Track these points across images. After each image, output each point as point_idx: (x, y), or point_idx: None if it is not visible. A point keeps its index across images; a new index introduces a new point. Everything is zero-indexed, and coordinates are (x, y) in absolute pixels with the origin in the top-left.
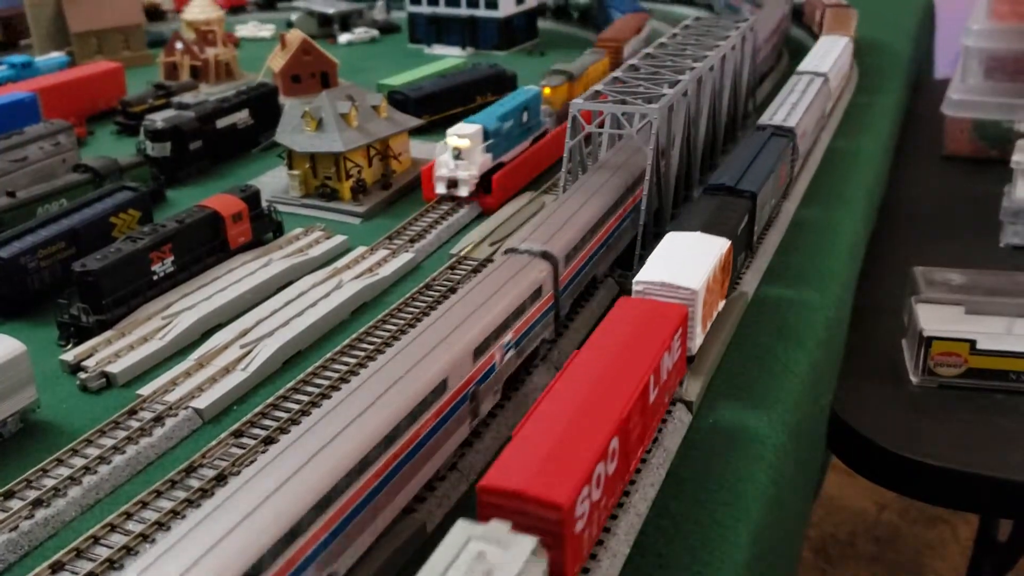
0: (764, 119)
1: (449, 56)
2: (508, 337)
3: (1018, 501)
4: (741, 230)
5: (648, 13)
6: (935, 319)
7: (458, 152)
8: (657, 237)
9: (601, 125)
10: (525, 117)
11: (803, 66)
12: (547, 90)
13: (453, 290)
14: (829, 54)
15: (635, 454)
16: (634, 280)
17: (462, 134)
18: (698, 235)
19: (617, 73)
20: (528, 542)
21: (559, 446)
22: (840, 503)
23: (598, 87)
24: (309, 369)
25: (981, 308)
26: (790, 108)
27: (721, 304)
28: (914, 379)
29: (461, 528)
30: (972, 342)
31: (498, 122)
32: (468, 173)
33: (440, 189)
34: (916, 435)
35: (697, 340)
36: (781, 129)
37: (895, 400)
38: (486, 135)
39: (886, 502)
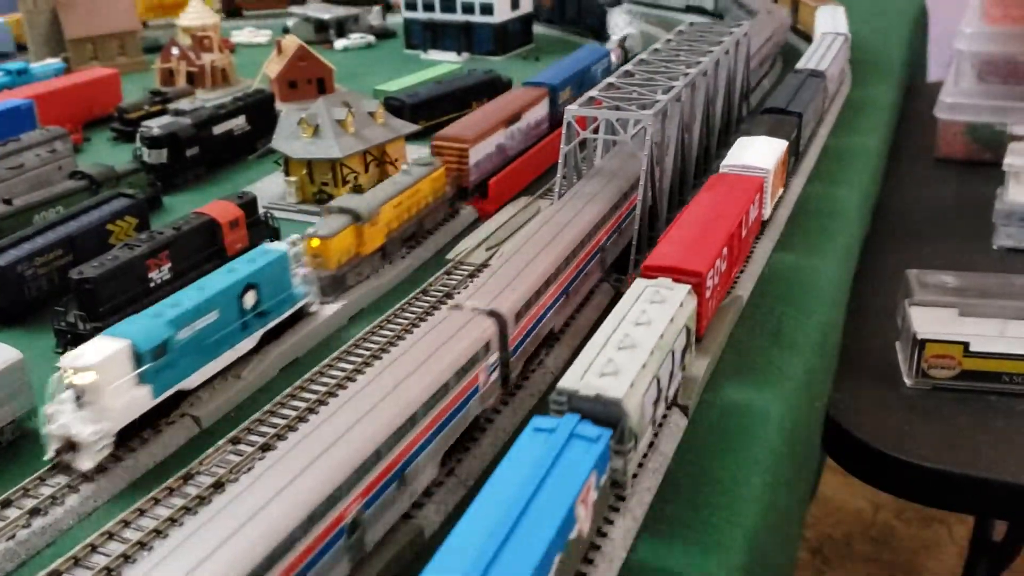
0: (800, 65)
1: (445, 62)
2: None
3: (1011, 502)
4: (792, 138)
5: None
6: (928, 321)
7: (80, 393)
8: (652, 240)
9: (596, 131)
10: (251, 300)
11: (824, 28)
12: (314, 242)
13: (449, 295)
14: (839, 24)
15: (736, 262)
16: (722, 164)
17: (84, 365)
18: (764, 138)
19: (611, 79)
20: (685, 287)
21: (696, 241)
22: (837, 504)
23: (593, 93)
24: (306, 375)
25: (974, 310)
26: (819, 58)
27: (780, 191)
28: (908, 381)
29: (639, 282)
30: (965, 344)
31: (171, 328)
32: (94, 429)
33: (49, 453)
34: (910, 437)
35: (768, 208)
36: (815, 72)
37: (889, 402)
38: (139, 357)
39: (882, 503)
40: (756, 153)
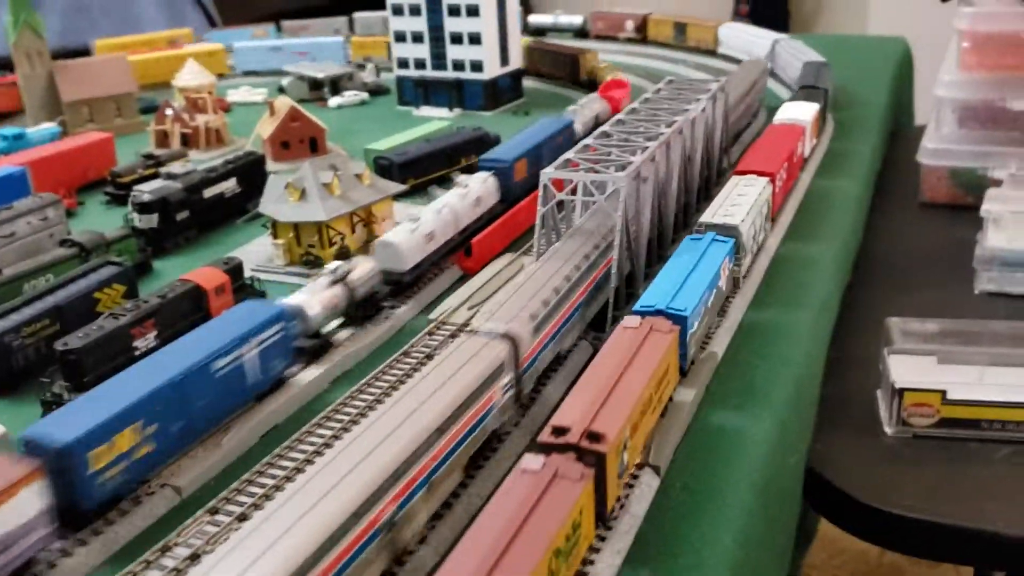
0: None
1: (436, 118)
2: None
3: (992, 552)
4: (822, 103)
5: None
6: (907, 370)
7: None
8: (631, 298)
9: (573, 192)
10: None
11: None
12: None
13: (430, 356)
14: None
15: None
16: (775, 119)
17: None
18: (800, 103)
19: (588, 140)
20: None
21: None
22: (841, 545)
23: (569, 155)
24: (286, 443)
25: (953, 358)
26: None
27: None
28: (889, 430)
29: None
30: (943, 392)
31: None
32: None
33: None
34: (891, 487)
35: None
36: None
37: (871, 452)
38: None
39: None
40: (798, 112)
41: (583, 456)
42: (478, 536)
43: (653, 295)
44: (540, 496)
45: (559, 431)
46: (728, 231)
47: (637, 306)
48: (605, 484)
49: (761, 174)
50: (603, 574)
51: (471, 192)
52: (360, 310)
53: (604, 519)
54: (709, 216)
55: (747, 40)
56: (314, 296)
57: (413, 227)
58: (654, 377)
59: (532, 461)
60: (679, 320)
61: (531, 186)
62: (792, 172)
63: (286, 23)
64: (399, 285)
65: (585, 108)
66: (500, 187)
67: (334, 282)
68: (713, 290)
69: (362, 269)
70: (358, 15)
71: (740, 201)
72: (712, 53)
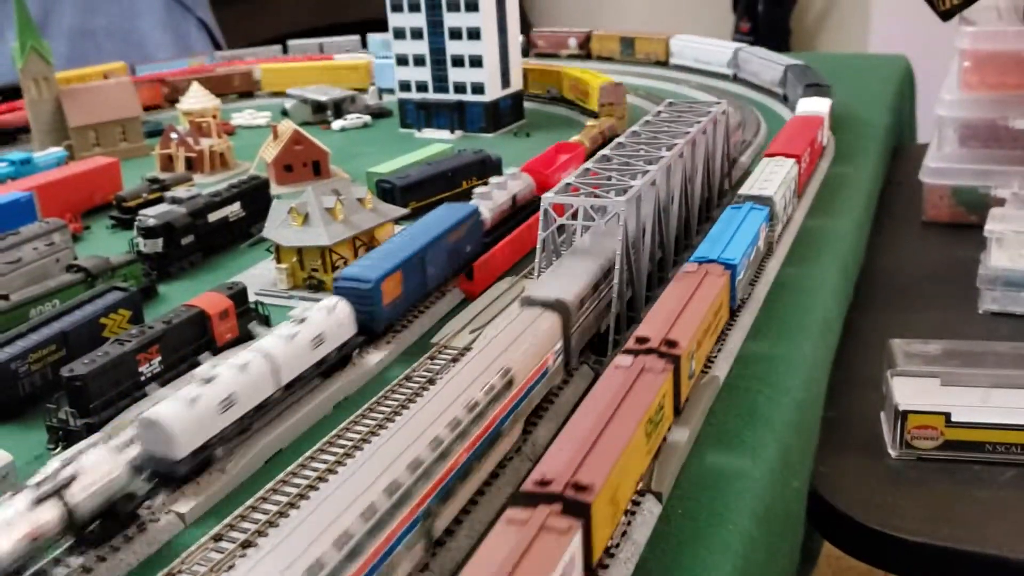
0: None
1: (438, 140)
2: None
3: (994, 575)
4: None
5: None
6: (911, 392)
7: None
8: (631, 322)
9: (574, 216)
10: None
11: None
12: None
13: (432, 381)
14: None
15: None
16: (796, 111)
17: None
18: (814, 98)
19: (588, 164)
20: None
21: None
22: (847, 563)
23: (569, 179)
24: (290, 468)
25: (957, 380)
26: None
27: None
28: (892, 453)
29: None
30: (947, 415)
31: None
32: None
33: None
34: (895, 510)
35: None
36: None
37: (875, 474)
38: None
39: None
40: (815, 106)
41: (665, 357)
42: (580, 420)
43: (706, 249)
44: (631, 385)
45: (642, 339)
46: (764, 201)
47: (693, 257)
48: (680, 381)
49: (788, 155)
50: None
51: (306, 330)
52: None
53: (679, 410)
54: (747, 189)
55: (703, 51)
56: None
57: (195, 394)
58: (711, 308)
59: (623, 359)
60: (729, 267)
61: (413, 307)
62: (813, 157)
63: (292, 43)
64: (168, 480)
65: (496, 191)
66: (359, 316)
67: (40, 500)
68: (754, 248)
69: (95, 473)
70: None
71: (772, 177)
72: (664, 64)
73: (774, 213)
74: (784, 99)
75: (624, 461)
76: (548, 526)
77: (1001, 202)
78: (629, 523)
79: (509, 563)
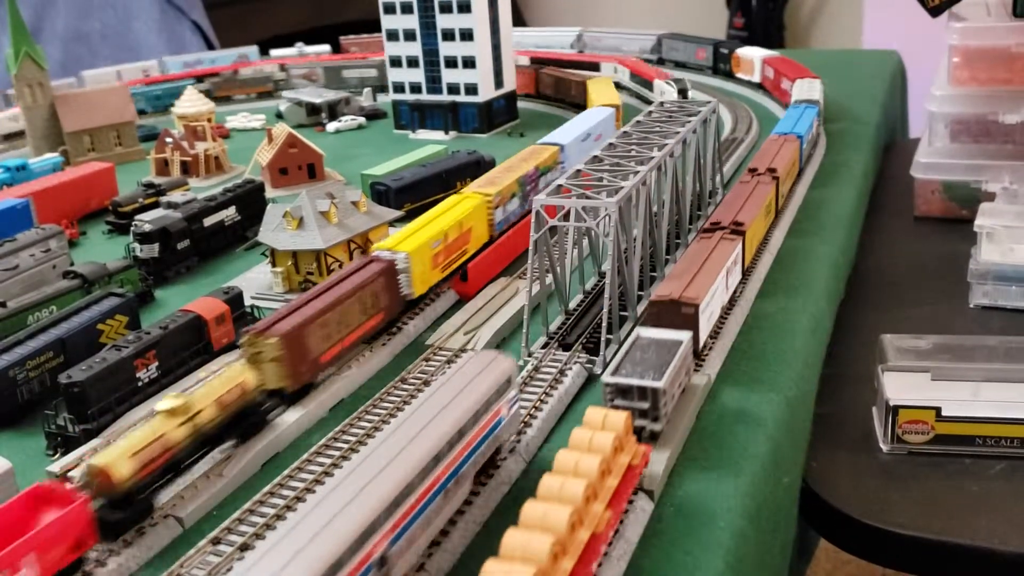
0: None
1: (432, 141)
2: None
3: (987, 568)
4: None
5: None
6: (901, 387)
7: None
8: (623, 321)
9: (565, 217)
10: None
11: (799, 95)
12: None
13: (427, 383)
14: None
15: None
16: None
17: None
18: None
19: (580, 166)
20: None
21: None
22: (846, 556)
23: (560, 181)
24: (287, 471)
25: (947, 374)
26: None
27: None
28: (884, 447)
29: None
30: (937, 409)
31: None
32: None
33: None
34: (887, 504)
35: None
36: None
37: (866, 469)
38: None
39: None
40: (811, 89)
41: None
42: None
43: (783, 125)
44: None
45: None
46: (814, 103)
47: (774, 131)
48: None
49: (811, 103)
50: None
51: None
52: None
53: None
54: (798, 95)
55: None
56: None
57: None
58: (789, 163)
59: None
60: (799, 137)
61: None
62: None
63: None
64: None
65: None
66: None
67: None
68: (808, 135)
69: None
70: None
71: (812, 90)
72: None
73: (820, 112)
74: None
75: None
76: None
77: (991, 196)
78: (622, 521)
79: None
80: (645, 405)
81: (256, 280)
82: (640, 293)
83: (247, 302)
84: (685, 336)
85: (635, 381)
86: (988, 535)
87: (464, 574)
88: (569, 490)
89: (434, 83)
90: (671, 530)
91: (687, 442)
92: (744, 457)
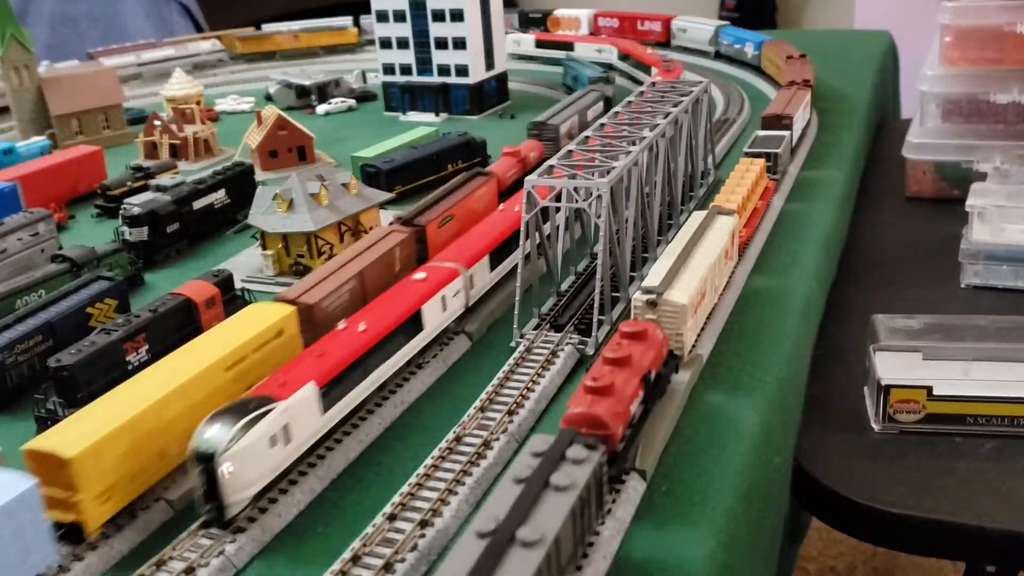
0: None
1: (423, 123)
2: None
3: (978, 546)
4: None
5: None
6: (893, 367)
7: None
8: (616, 301)
9: (557, 198)
10: None
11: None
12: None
13: (420, 366)
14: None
15: None
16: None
17: None
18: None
19: (571, 146)
20: None
21: None
22: (838, 536)
23: (552, 162)
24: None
25: (938, 354)
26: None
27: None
28: (876, 427)
29: None
30: (928, 388)
31: None
32: None
33: None
34: (878, 483)
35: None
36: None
37: (858, 449)
38: None
39: None
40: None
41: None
42: None
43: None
44: None
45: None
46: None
47: None
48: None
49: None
50: None
51: None
52: None
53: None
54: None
55: None
56: None
57: None
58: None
59: None
60: None
61: None
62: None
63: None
64: None
65: None
66: None
67: None
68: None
69: None
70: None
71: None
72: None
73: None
74: None
75: None
76: None
77: (983, 177)
78: (614, 501)
79: None
80: None
81: (246, 263)
82: (632, 274)
83: (237, 285)
84: None
85: None
86: (979, 513)
87: None
88: None
89: (424, 65)
90: (663, 510)
91: (678, 423)
92: (735, 437)
